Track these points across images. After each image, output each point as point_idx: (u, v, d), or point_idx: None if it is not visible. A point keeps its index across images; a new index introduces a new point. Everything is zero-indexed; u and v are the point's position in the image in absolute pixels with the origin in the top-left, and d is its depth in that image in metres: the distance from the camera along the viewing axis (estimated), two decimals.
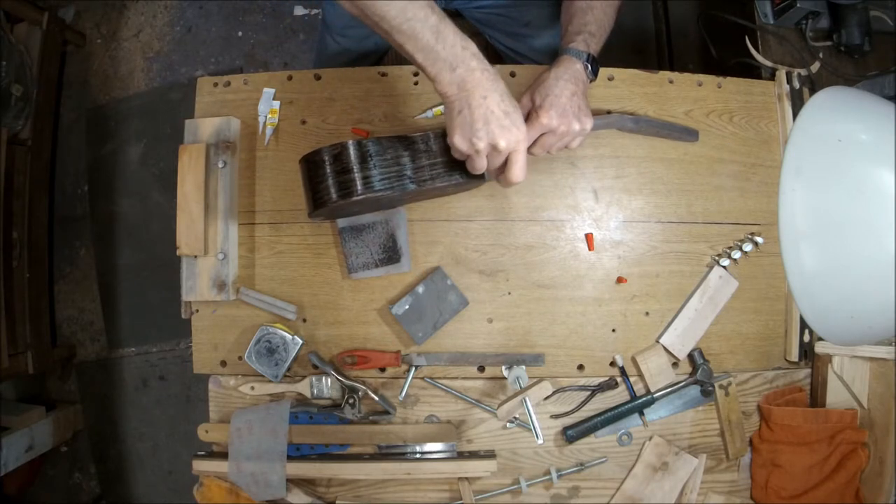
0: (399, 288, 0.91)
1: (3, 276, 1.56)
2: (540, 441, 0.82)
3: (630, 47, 1.83)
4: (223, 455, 0.87)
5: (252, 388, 0.91)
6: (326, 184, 0.75)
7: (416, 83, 0.93)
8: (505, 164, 0.73)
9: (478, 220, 0.92)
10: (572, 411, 0.91)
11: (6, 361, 1.55)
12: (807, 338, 0.93)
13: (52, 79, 1.84)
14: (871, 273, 0.87)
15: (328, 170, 0.75)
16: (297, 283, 0.92)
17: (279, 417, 0.86)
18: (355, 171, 0.74)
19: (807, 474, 0.91)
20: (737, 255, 0.93)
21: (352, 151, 0.74)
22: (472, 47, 0.68)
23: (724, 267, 0.93)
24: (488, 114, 0.68)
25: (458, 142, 0.71)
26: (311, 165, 0.77)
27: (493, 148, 0.70)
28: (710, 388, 0.91)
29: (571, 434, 0.90)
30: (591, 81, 0.84)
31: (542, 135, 0.81)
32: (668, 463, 0.91)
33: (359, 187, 0.74)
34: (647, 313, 0.92)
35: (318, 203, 0.77)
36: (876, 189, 0.85)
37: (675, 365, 0.92)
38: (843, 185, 0.88)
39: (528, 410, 0.81)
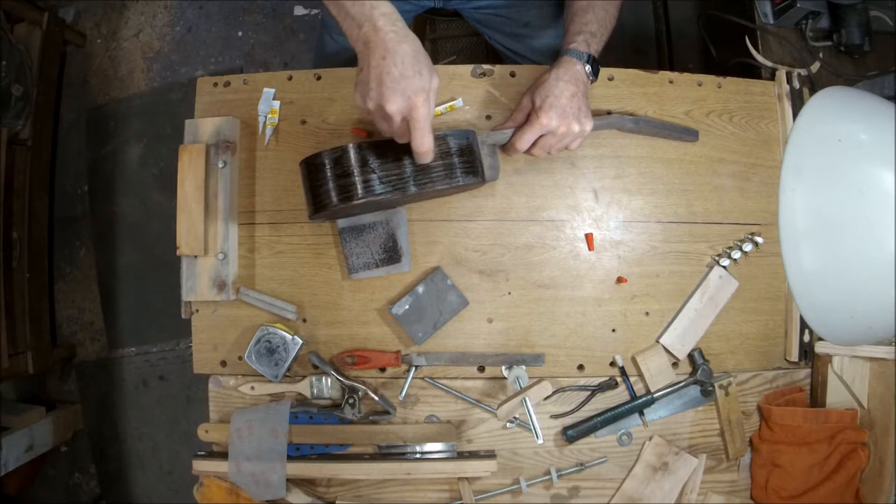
0: (399, 288, 0.91)
1: (3, 276, 1.56)
2: (540, 441, 0.82)
3: (630, 47, 1.83)
4: (223, 455, 0.87)
5: (252, 388, 0.91)
6: (327, 187, 0.75)
7: None
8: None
9: (478, 220, 0.92)
10: (572, 411, 0.91)
11: (6, 361, 1.55)
12: (807, 338, 0.93)
13: (52, 79, 1.84)
14: (871, 273, 0.87)
15: (328, 173, 0.75)
16: (297, 283, 0.92)
17: (279, 417, 0.86)
18: (356, 174, 0.74)
19: (807, 474, 0.91)
20: (737, 255, 0.93)
21: (352, 155, 0.74)
22: (384, 7, 0.67)
23: (724, 267, 0.93)
24: (382, 74, 0.65)
25: (356, 98, 0.69)
26: (311, 168, 0.77)
27: (382, 110, 0.67)
28: (710, 388, 0.91)
29: (571, 434, 0.90)
30: (591, 82, 0.84)
31: (541, 136, 0.81)
32: (668, 463, 0.91)
33: (359, 191, 0.74)
34: (647, 313, 0.92)
35: (318, 206, 0.77)
36: (876, 189, 0.86)
37: (675, 365, 0.92)
38: (843, 185, 0.88)
39: (528, 410, 0.81)
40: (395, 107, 0.66)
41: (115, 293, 1.91)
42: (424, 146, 0.69)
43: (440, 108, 0.92)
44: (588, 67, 0.83)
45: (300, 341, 0.89)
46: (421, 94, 0.66)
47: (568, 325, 0.92)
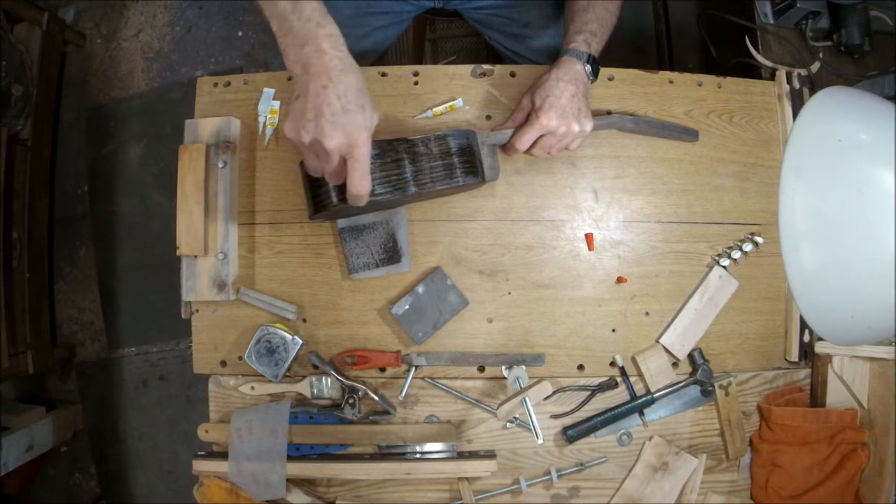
0: (399, 288, 0.91)
1: (3, 276, 1.56)
2: (540, 441, 0.82)
3: (630, 47, 1.83)
4: (223, 455, 0.87)
5: (252, 388, 0.91)
6: (327, 187, 0.75)
7: (416, 83, 0.94)
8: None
9: (478, 220, 0.92)
10: (572, 411, 0.91)
11: (6, 361, 1.55)
12: (807, 338, 0.93)
13: (52, 79, 1.83)
14: (871, 273, 0.87)
15: None
16: (297, 283, 0.92)
17: (279, 417, 0.86)
18: None
19: (807, 474, 0.91)
20: (737, 255, 0.93)
21: None
22: (331, 28, 0.62)
23: (724, 267, 0.93)
24: (323, 105, 0.60)
25: (287, 129, 0.63)
26: None
27: (319, 145, 0.62)
28: (710, 388, 0.91)
29: (571, 434, 0.90)
30: (591, 82, 0.84)
31: (541, 136, 0.81)
32: (668, 463, 0.91)
33: None
34: (647, 313, 0.92)
35: (318, 206, 0.77)
36: (876, 189, 0.86)
37: (675, 365, 0.92)
38: (843, 185, 0.88)
39: (528, 410, 0.81)
40: (334, 143, 0.61)
41: (115, 293, 1.91)
42: (363, 188, 0.65)
43: (440, 109, 0.92)
44: (588, 67, 0.83)
45: (300, 341, 0.88)
46: (363, 132, 0.62)
47: (568, 325, 0.92)
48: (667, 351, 0.92)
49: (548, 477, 0.90)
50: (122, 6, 2.01)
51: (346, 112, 0.61)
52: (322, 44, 0.61)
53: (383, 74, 0.94)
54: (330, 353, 0.91)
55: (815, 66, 0.99)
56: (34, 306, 1.69)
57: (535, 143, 0.82)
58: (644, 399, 0.90)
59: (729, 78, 0.96)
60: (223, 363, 0.92)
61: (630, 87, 0.95)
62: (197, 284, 0.88)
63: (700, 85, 0.96)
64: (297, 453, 0.89)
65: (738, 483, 0.94)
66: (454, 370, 0.91)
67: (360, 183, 0.64)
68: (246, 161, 0.93)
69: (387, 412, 0.88)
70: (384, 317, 0.91)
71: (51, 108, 1.83)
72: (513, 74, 0.94)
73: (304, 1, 0.61)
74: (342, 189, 0.74)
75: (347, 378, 0.87)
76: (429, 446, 0.90)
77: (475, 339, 0.91)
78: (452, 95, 0.93)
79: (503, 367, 0.91)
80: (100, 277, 1.92)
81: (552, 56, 0.87)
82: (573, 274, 0.92)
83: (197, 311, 0.92)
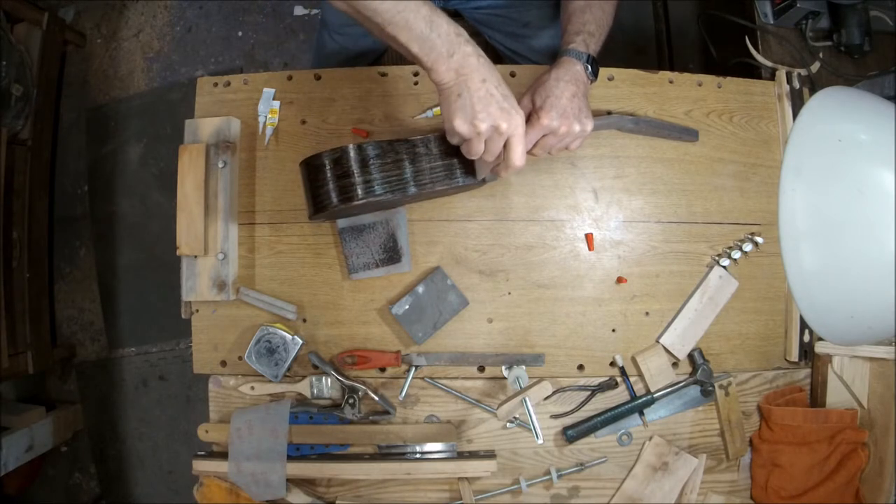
0: (399, 288, 0.91)
1: (3, 276, 1.56)
2: (540, 441, 0.82)
3: (630, 47, 1.83)
4: (223, 455, 0.87)
5: (252, 388, 0.91)
6: (327, 188, 0.75)
7: (415, 83, 0.94)
8: (503, 150, 0.73)
9: (478, 220, 0.92)
10: (572, 411, 0.91)
11: (6, 361, 1.55)
12: (807, 338, 0.93)
13: (52, 79, 1.84)
14: (871, 273, 0.87)
15: (328, 174, 0.75)
16: (297, 283, 0.92)
17: (279, 417, 0.86)
18: (356, 175, 0.74)
19: (807, 474, 0.91)
20: (737, 255, 0.93)
21: (352, 156, 0.74)
22: (465, 34, 0.69)
23: (724, 267, 0.93)
24: (488, 97, 0.68)
25: (459, 125, 0.70)
26: (311, 169, 0.77)
27: (496, 130, 0.70)
28: (710, 388, 0.91)
29: (571, 434, 0.90)
30: (591, 82, 0.84)
31: (542, 136, 0.81)
32: (668, 463, 0.91)
33: (359, 192, 0.74)
34: (647, 313, 0.92)
35: (318, 207, 0.77)
36: (876, 189, 0.85)
37: (675, 365, 0.92)
38: (843, 185, 0.88)
39: (528, 410, 0.81)
40: (506, 125, 0.69)
41: (115, 293, 1.91)
42: (523, 160, 0.73)
43: (440, 108, 0.92)
44: (588, 67, 0.83)
45: (300, 341, 0.89)
46: (521, 111, 0.71)
47: (568, 325, 0.92)
48: (667, 351, 0.92)
49: (548, 477, 0.90)
50: (122, 6, 2.01)
51: (506, 97, 0.69)
52: (465, 48, 0.68)
53: (383, 74, 0.94)
54: (330, 353, 0.91)
55: (815, 66, 0.99)
56: (34, 306, 1.69)
57: (535, 143, 0.82)
58: (644, 399, 0.90)
59: (729, 78, 0.96)
60: (223, 363, 0.92)
61: (630, 87, 0.95)
62: (197, 284, 0.89)
63: (700, 85, 0.96)
64: (297, 453, 0.89)
65: (738, 483, 0.94)
66: (454, 370, 0.91)
67: (522, 157, 0.72)
68: (246, 161, 0.93)
69: (387, 412, 0.88)
70: (384, 317, 0.91)
71: (51, 108, 1.83)
72: (513, 74, 0.94)
73: (438, 18, 0.67)
74: (342, 189, 0.74)
75: (347, 378, 0.87)
76: (429, 446, 0.90)
77: (475, 339, 0.91)
78: None
79: (503, 367, 0.91)
80: (100, 277, 1.92)
81: (552, 56, 0.87)
82: (573, 274, 0.92)
83: (197, 311, 0.92)
